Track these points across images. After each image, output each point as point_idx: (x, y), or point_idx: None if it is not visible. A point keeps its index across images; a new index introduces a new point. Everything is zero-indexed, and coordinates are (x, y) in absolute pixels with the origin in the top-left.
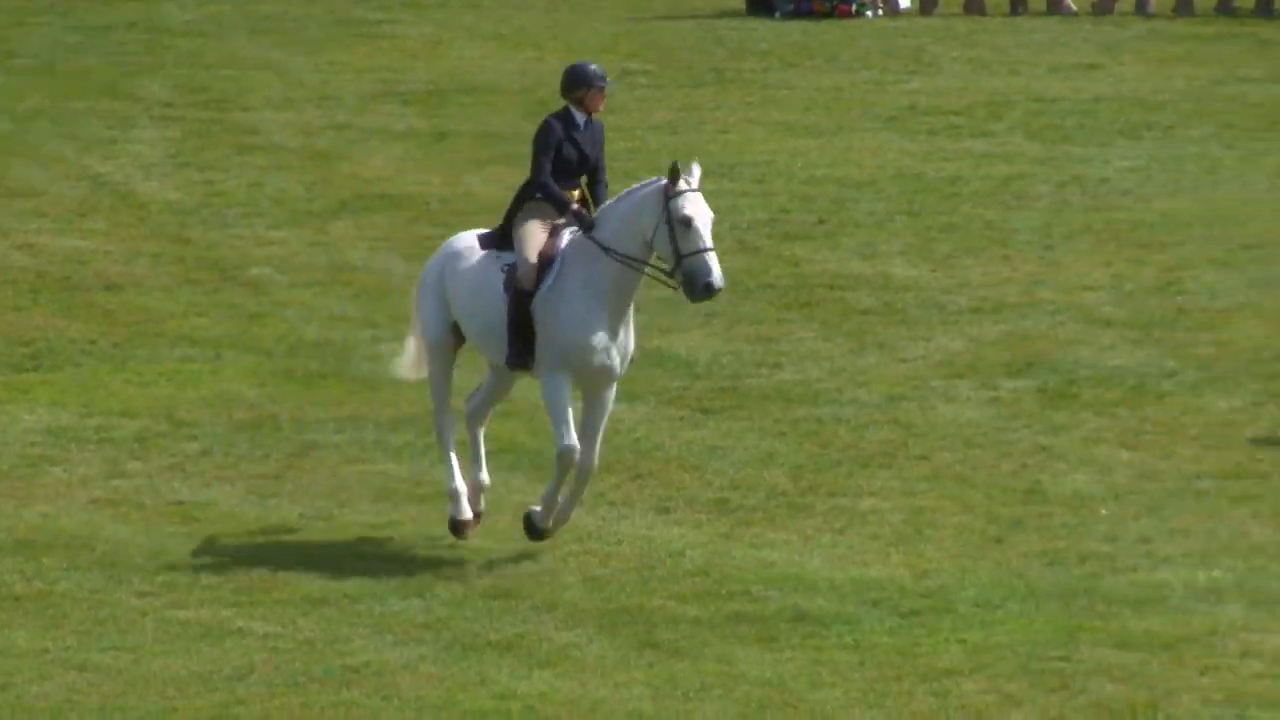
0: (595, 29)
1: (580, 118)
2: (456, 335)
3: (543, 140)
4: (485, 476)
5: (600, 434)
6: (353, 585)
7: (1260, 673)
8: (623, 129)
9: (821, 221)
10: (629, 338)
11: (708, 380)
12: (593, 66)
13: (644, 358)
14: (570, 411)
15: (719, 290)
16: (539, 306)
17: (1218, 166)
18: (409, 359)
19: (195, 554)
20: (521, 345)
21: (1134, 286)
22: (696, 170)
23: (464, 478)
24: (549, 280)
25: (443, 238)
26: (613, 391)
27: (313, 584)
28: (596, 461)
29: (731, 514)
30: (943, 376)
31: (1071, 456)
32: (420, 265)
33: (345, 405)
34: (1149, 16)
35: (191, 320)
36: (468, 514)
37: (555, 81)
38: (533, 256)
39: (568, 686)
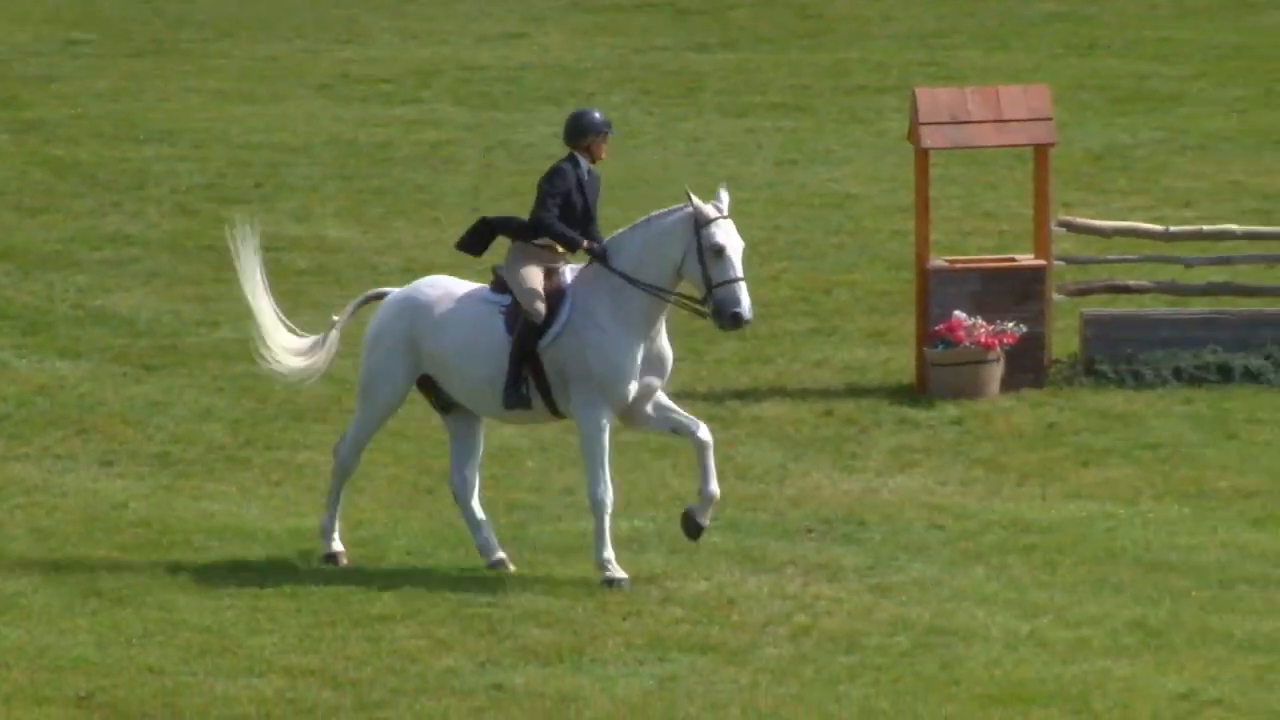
0: None
1: (585, 165)
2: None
3: (553, 183)
4: (493, 539)
5: (675, 408)
6: None
7: (680, 618)
8: (66, 96)
9: (258, 185)
10: (664, 346)
11: (149, 338)
12: (597, 114)
13: (86, 316)
14: (608, 458)
15: (747, 321)
16: (563, 345)
17: (638, 132)
18: (291, 346)
19: None
20: (522, 382)
21: None
22: (725, 197)
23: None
24: (561, 318)
25: None
26: (659, 393)
27: None
28: (705, 428)
29: (172, 467)
30: None
31: None
32: None
33: None
34: None
35: None
36: (338, 547)
37: None
38: (539, 290)
39: (14, 634)
